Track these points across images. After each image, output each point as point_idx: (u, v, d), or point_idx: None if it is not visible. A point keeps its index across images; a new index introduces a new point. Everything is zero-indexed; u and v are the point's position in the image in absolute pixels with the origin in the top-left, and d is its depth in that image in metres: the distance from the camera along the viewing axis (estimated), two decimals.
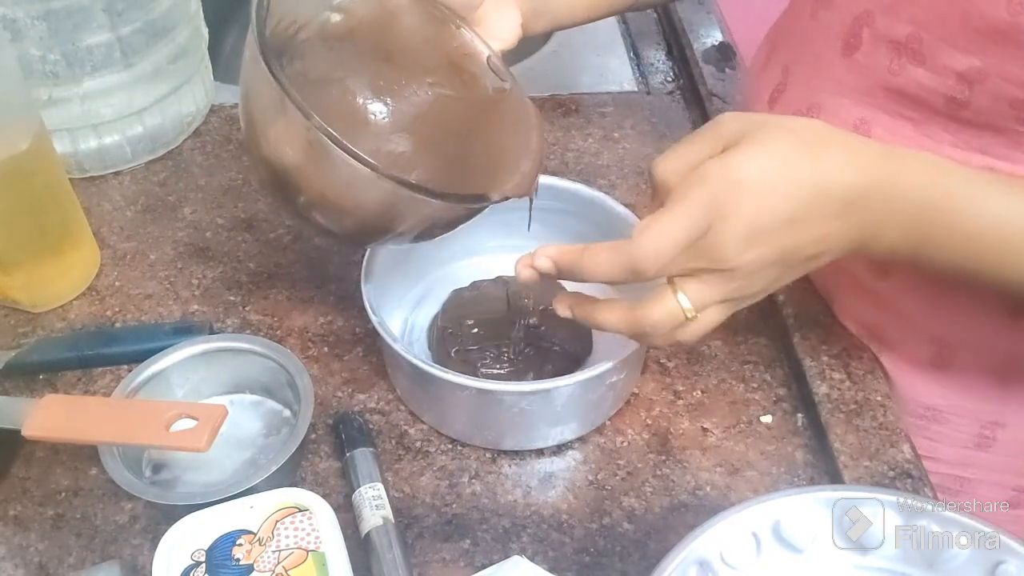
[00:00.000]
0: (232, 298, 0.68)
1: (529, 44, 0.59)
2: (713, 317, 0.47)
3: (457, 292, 0.66)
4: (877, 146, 0.47)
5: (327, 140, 0.46)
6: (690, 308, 0.46)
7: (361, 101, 0.60)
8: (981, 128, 0.51)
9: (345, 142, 0.46)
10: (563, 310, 0.51)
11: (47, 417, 0.52)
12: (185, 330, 0.62)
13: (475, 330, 0.62)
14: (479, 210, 0.53)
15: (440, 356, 0.62)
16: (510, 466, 0.59)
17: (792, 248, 0.45)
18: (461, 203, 0.51)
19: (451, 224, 0.55)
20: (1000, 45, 0.47)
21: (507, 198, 0.52)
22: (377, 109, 0.60)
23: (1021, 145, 0.51)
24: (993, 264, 0.48)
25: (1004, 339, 0.58)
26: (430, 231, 0.54)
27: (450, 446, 0.59)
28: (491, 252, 0.69)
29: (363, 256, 0.60)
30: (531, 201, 0.55)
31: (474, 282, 0.67)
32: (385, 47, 0.59)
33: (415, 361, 0.55)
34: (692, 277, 0.46)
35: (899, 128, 0.53)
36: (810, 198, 0.44)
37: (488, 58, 0.57)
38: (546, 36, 0.97)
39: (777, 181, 0.44)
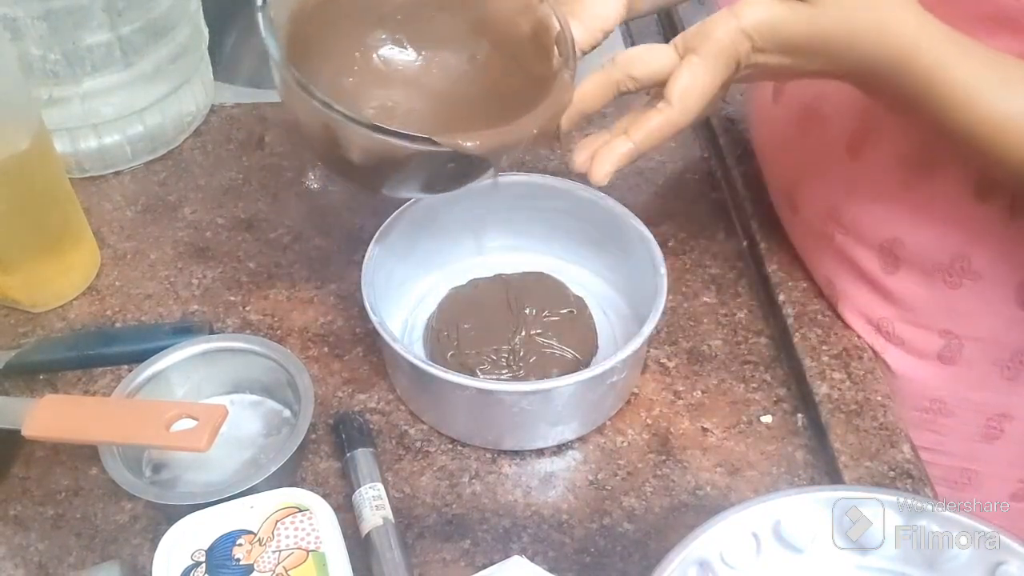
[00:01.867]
0: (232, 298, 0.68)
1: None
2: None
3: (454, 291, 0.65)
4: (907, 25, 0.47)
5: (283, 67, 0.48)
6: None
7: (400, 56, 0.60)
8: None
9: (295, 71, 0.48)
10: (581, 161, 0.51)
11: (47, 417, 0.52)
12: (185, 330, 0.62)
13: (472, 333, 0.61)
14: (443, 162, 0.51)
15: (435, 360, 0.60)
16: (510, 466, 0.59)
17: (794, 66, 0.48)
18: (384, 135, 0.48)
19: (434, 176, 0.54)
20: (1009, 30, 0.48)
21: (457, 151, 0.48)
22: (414, 64, 0.61)
23: None
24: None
25: (1012, 332, 0.58)
26: (407, 173, 0.53)
27: (450, 446, 0.59)
28: (491, 252, 0.69)
29: (363, 256, 0.60)
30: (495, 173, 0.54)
31: (472, 280, 0.66)
32: (477, 15, 0.58)
33: (415, 361, 0.55)
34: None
35: None
36: (810, 51, 0.47)
37: (557, 34, 0.55)
38: None
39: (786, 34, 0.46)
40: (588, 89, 0.51)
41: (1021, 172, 0.48)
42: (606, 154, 0.49)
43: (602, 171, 0.50)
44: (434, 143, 0.48)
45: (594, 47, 0.56)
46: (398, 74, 0.60)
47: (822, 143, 0.62)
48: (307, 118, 0.51)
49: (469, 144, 0.48)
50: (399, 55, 0.60)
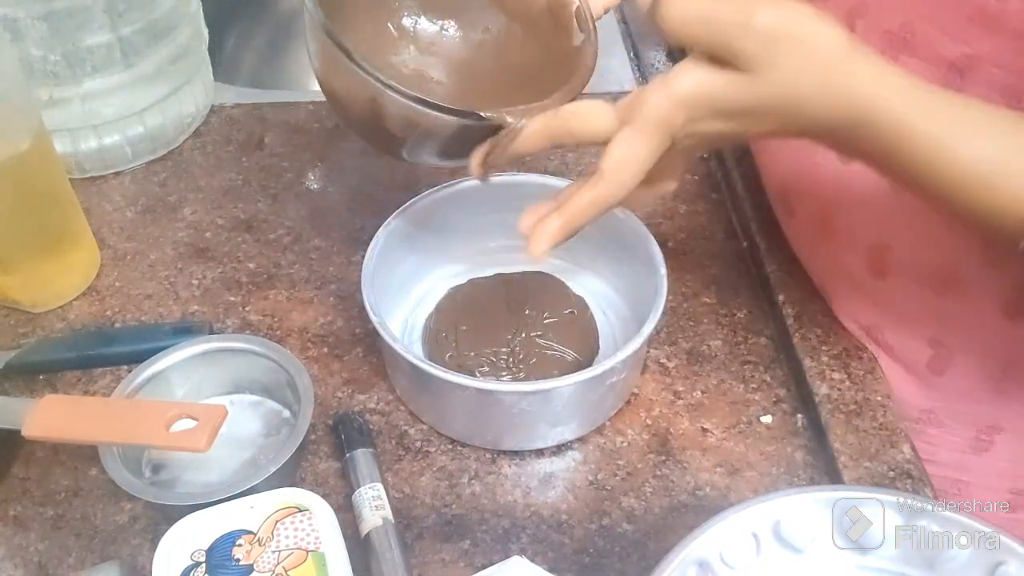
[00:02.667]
0: (232, 298, 0.68)
1: None
2: None
3: (453, 291, 0.65)
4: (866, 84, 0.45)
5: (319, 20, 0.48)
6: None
7: (423, 26, 0.61)
8: None
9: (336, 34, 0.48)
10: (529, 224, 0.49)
11: (47, 417, 0.52)
12: (185, 330, 0.63)
13: (471, 335, 0.61)
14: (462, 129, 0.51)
15: (434, 361, 0.60)
16: (510, 466, 0.59)
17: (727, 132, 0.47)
18: (418, 103, 0.48)
19: (458, 144, 0.53)
20: (990, 32, 0.48)
21: (499, 125, 0.49)
22: (436, 33, 0.61)
23: None
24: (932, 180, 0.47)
25: (1002, 342, 0.58)
26: (435, 140, 0.52)
27: (450, 446, 0.59)
28: (491, 252, 0.69)
29: (363, 256, 0.60)
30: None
31: (471, 280, 0.66)
32: None
33: (415, 361, 0.55)
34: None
35: None
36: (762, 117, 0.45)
37: (576, 8, 0.55)
38: None
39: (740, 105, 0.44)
40: (527, 134, 0.49)
41: (988, 220, 0.47)
42: (541, 231, 0.48)
43: (538, 249, 0.48)
44: (480, 118, 0.48)
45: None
46: (410, 42, 0.60)
47: (815, 146, 0.61)
48: (347, 88, 0.51)
49: (512, 120, 0.48)
50: (412, 23, 0.60)
